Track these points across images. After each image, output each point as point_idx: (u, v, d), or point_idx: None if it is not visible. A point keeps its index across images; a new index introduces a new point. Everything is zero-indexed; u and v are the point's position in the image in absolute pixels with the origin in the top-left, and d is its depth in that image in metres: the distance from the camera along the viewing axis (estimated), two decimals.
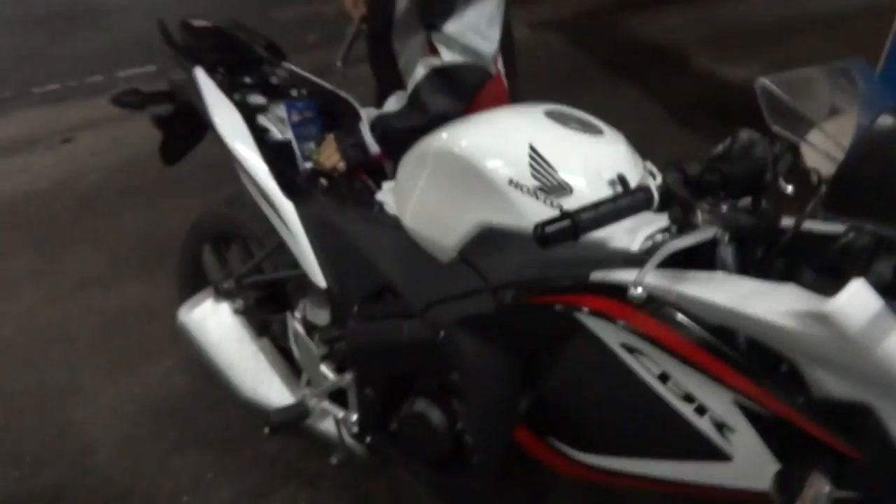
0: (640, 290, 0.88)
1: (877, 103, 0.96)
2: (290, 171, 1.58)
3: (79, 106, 4.08)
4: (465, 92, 1.49)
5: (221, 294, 1.72)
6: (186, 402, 2.18)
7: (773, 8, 5.71)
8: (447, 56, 1.47)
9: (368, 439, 1.51)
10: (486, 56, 1.48)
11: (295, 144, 1.63)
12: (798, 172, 0.95)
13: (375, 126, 1.57)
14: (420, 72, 1.50)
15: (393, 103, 1.60)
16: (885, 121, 0.62)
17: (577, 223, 0.83)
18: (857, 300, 0.76)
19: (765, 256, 0.99)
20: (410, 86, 1.52)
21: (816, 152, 0.90)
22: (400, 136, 1.45)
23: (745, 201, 0.94)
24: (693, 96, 4.14)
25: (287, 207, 1.49)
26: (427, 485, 1.45)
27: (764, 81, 0.87)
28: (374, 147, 1.71)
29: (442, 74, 1.47)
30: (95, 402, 2.17)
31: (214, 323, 1.71)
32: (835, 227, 1.00)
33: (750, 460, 0.89)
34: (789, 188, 0.92)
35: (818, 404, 0.86)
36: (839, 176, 0.65)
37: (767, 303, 0.83)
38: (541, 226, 0.83)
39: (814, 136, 0.90)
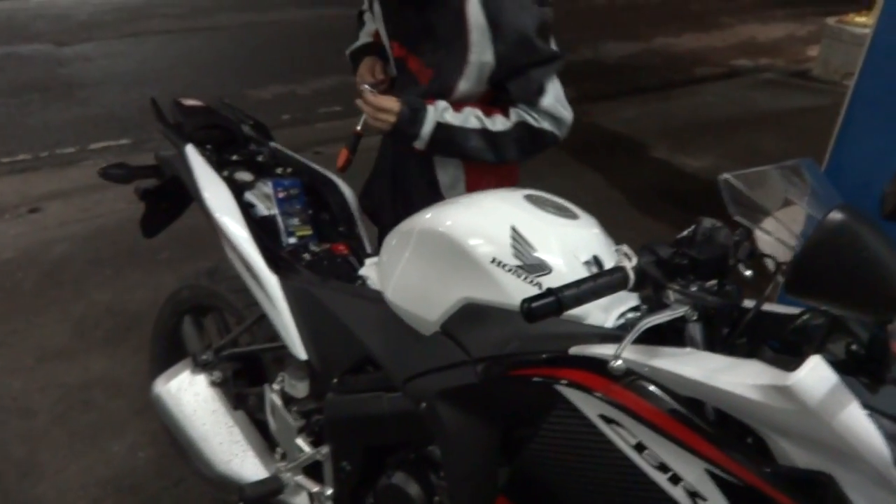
0: (619, 363, 0.95)
1: (823, 198, 1.08)
2: (275, 246, 1.63)
3: (48, 176, 4.08)
4: (531, 152, 1.67)
5: (199, 366, 1.72)
6: (150, 478, 2.12)
7: (725, 103, 6.12)
8: (534, 122, 1.63)
9: None
10: (568, 124, 1.66)
11: (280, 220, 1.68)
12: (755, 258, 1.04)
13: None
14: (505, 121, 1.63)
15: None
16: (835, 216, 0.71)
17: (561, 300, 0.90)
18: (814, 375, 0.83)
19: (729, 334, 1.07)
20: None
21: (771, 239, 1.00)
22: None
23: (711, 283, 1.03)
24: (652, 184, 4.37)
25: (271, 280, 1.53)
26: None
27: (726, 176, 0.97)
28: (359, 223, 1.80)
29: (530, 132, 1.63)
30: (55, 478, 2.10)
31: (190, 395, 1.70)
32: (791, 309, 1.09)
33: None
34: (748, 272, 1.01)
35: (783, 473, 0.92)
36: (797, 263, 0.74)
37: (733, 377, 0.90)
38: (527, 301, 0.90)
39: (767, 224, 1.01)
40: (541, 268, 1.16)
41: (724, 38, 8.25)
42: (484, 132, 1.62)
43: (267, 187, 1.73)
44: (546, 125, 1.63)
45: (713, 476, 0.94)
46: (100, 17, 7.26)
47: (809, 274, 0.74)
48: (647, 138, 5.18)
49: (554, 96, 1.62)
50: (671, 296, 1.00)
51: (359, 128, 1.70)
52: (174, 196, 1.88)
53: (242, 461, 1.64)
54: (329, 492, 1.52)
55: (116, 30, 6.89)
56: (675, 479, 0.96)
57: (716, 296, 1.00)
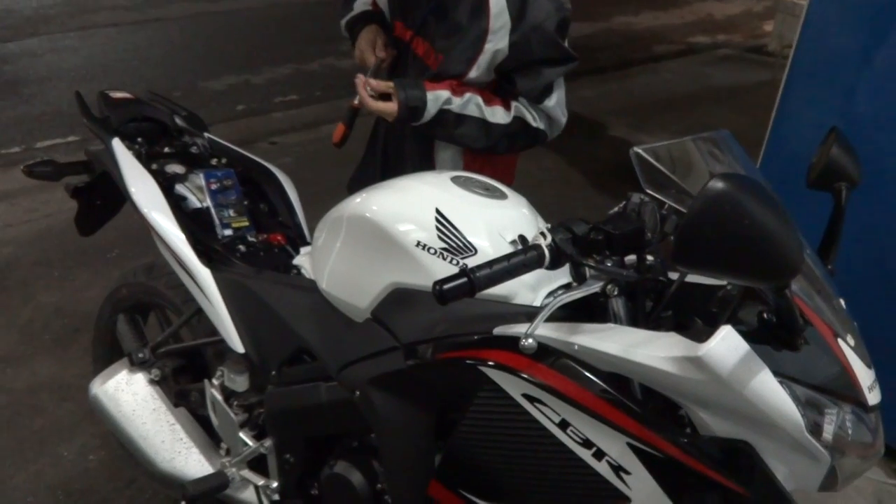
0: (530, 341, 0.94)
1: (741, 170, 1.08)
2: (208, 238, 1.59)
3: None
4: (520, 148, 1.69)
5: (136, 364, 1.69)
6: (101, 480, 2.08)
7: (682, 80, 6.16)
8: (532, 121, 1.62)
9: None
10: (561, 129, 1.68)
11: (213, 211, 1.65)
12: None
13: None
14: (505, 114, 1.60)
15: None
16: (715, 184, 0.70)
17: (473, 280, 0.89)
18: (725, 344, 0.83)
19: (654, 309, 1.07)
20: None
21: None
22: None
23: (632, 258, 1.02)
24: (609, 163, 4.38)
25: (204, 274, 1.50)
26: None
27: (637, 150, 0.96)
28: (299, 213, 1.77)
29: (525, 129, 1.62)
30: (2, 487, 2.05)
31: (129, 394, 1.67)
32: (717, 281, 1.10)
33: (646, 500, 0.94)
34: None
35: (703, 444, 0.92)
36: (681, 234, 0.73)
37: (649, 350, 0.89)
38: (439, 283, 0.88)
39: (676, 196, 1.00)
40: (466, 249, 1.15)
41: (682, 16, 8.29)
42: (482, 122, 1.58)
43: (199, 179, 1.69)
44: (542, 125, 1.62)
45: (636, 450, 0.94)
46: (45, 11, 7.02)
47: (694, 245, 0.73)
48: (606, 117, 5.19)
49: (557, 99, 1.61)
50: (588, 272, 0.99)
51: (355, 102, 1.62)
52: (108, 192, 1.83)
53: (186, 458, 1.61)
54: (274, 484, 1.50)
55: (62, 24, 6.67)
56: (600, 455, 0.96)
57: (635, 270, 1.00)
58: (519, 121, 1.60)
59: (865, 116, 2.02)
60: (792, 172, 1.32)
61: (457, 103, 1.56)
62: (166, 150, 1.77)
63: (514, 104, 1.60)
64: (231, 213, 1.68)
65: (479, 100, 1.57)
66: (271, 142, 4.53)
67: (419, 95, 1.53)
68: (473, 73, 1.57)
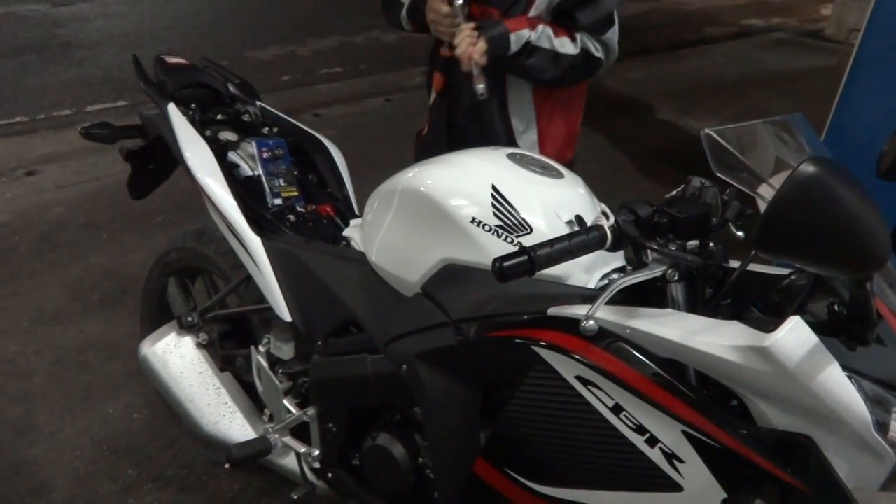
0: (591, 323, 0.92)
1: (812, 154, 1.03)
2: (259, 207, 1.60)
3: (45, 139, 4.05)
4: (581, 79, 1.72)
5: (185, 327, 1.72)
6: (145, 439, 2.14)
7: (734, 64, 5.99)
8: (595, 51, 1.64)
9: (330, 475, 1.51)
10: (615, 57, 1.69)
11: (264, 180, 1.65)
12: (747, 218, 1.00)
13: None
14: (572, 45, 1.62)
15: None
16: (806, 168, 0.67)
17: (534, 259, 0.87)
18: (793, 336, 0.81)
19: (714, 296, 1.04)
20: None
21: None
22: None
23: (693, 243, 0.99)
24: (656, 147, 4.29)
25: (254, 242, 1.51)
26: None
27: (709, 132, 0.93)
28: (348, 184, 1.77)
29: (588, 60, 1.64)
30: (50, 439, 2.12)
31: (177, 356, 1.70)
32: (780, 270, 1.06)
33: (699, 490, 0.92)
34: (740, 234, 0.98)
35: (762, 435, 0.90)
36: (767, 218, 0.70)
37: (711, 337, 0.87)
38: (499, 260, 0.87)
39: (763, 189, 0.97)
40: (521, 227, 1.14)
41: None
42: (552, 53, 1.60)
43: (251, 147, 1.70)
44: (601, 55, 1.64)
45: (690, 438, 0.92)
46: None
47: (780, 230, 0.70)
48: (654, 100, 5.08)
49: (615, 27, 1.64)
50: (650, 255, 0.97)
51: (448, 50, 1.61)
52: (161, 156, 1.85)
53: (230, 422, 1.64)
54: (316, 453, 1.52)
55: None
56: (653, 441, 0.94)
57: (697, 256, 0.97)
58: (585, 52, 1.62)
59: None
60: (854, 159, 1.27)
61: (533, 36, 1.57)
62: (219, 117, 1.78)
63: (578, 35, 1.61)
64: (281, 182, 1.68)
65: (550, 31, 1.59)
66: (315, 114, 4.54)
67: (503, 33, 1.54)
68: (532, 15, 1.59)
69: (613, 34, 1.64)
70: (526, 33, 1.56)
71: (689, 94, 5.21)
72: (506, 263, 0.87)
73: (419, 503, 1.36)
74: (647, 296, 1.05)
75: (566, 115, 1.79)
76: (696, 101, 5.07)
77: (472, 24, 1.54)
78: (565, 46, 1.60)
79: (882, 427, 0.87)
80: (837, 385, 0.82)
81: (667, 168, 3.91)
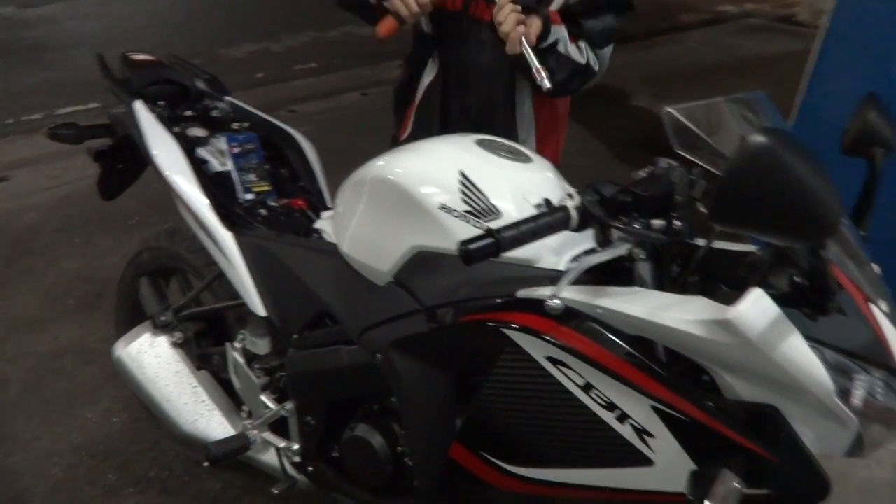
0: (556, 301, 0.93)
1: None
2: (230, 202, 1.59)
3: (16, 144, 3.99)
4: (576, 87, 1.63)
5: (159, 327, 1.70)
6: (124, 443, 2.12)
7: (709, 50, 6.02)
8: (593, 63, 1.60)
9: (311, 468, 1.51)
10: (601, 76, 1.65)
11: (235, 175, 1.64)
12: None
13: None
14: (579, 55, 1.56)
15: None
16: (755, 139, 0.68)
17: (499, 240, 0.88)
18: (755, 307, 0.82)
19: (681, 273, 1.05)
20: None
21: None
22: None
23: (660, 222, 1.00)
24: (633, 133, 4.31)
25: (226, 237, 1.50)
26: None
27: (669, 110, 0.94)
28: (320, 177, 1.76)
29: (586, 71, 1.59)
30: (28, 447, 2.09)
31: (151, 357, 1.69)
32: (746, 246, 1.08)
33: (670, 464, 0.94)
34: (706, 211, 0.98)
35: (729, 407, 0.91)
36: (720, 190, 0.71)
37: (677, 313, 0.88)
38: (465, 243, 0.87)
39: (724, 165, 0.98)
40: (490, 212, 1.14)
41: None
42: (565, 57, 1.53)
43: (221, 142, 1.68)
44: (597, 69, 1.61)
45: (660, 413, 0.93)
46: None
47: (732, 201, 0.71)
48: (630, 87, 5.09)
49: (612, 47, 1.61)
50: (615, 234, 0.97)
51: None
52: (130, 155, 1.83)
53: (208, 420, 1.63)
54: (295, 447, 1.52)
55: None
56: (623, 418, 0.95)
57: (663, 233, 0.98)
58: (587, 62, 1.59)
59: None
60: (824, 139, 1.29)
61: (562, 33, 1.52)
62: (188, 113, 1.76)
63: (582, 44, 1.57)
64: (253, 177, 1.67)
65: (565, 34, 1.53)
66: (290, 110, 4.52)
67: (548, 18, 1.47)
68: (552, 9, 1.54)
69: (608, 51, 1.62)
70: (557, 28, 1.48)
71: (665, 81, 5.23)
72: (471, 246, 0.87)
73: (399, 491, 1.36)
74: (617, 276, 1.06)
75: (558, 125, 1.76)
76: (672, 87, 5.09)
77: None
78: (574, 52, 1.54)
79: (845, 394, 0.88)
80: (799, 354, 0.83)
81: (643, 154, 3.85)
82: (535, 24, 1.42)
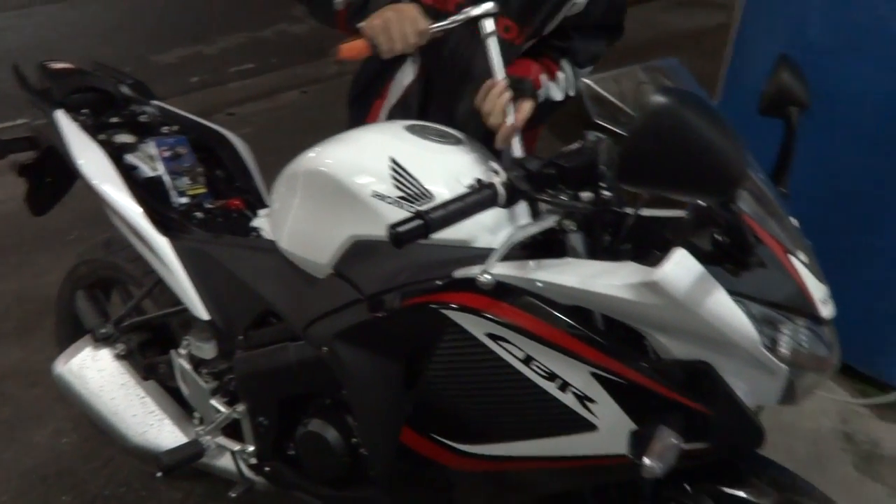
0: (486, 276, 0.94)
1: None
2: (164, 207, 1.56)
3: None
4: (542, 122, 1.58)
5: (100, 340, 1.66)
6: (77, 462, 2.06)
7: (640, 28, 6.10)
8: (571, 91, 1.56)
9: (267, 468, 1.50)
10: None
11: (167, 179, 1.61)
12: None
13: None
14: (557, 91, 1.54)
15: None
16: (656, 99, 0.70)
17: (428, 221, 0.88)
18: (679, 267, 0.84)
19: (612, 242, 1.08)
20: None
21: None
22: None
23: (589, 195, 1.02)
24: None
25: (161, 243, 1.47)
26: None
27: (586, 81, 0.96)
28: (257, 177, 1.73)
29: (561, 104, 1.56)
30: None
31: (94, 371, 1.64)
32: (675, 212, 1.10)
33: (613, 427, 0.96)
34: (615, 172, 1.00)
35: (663, 367, 0.94)
36: (625, 151, 0.73)
37: (607, 279, 0.90)
38: (393, 226, 0.87)
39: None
40: (423, 196, 1.14)
41: None
42: (549, 102, 1.52)
43: (150, 147, 1.65)
44: (573, 93, 1.55)
45: (599, 378, 0.95)
46: None
47: (638, 161, 0.73)
48: None
49: (589, 71, 1.56)
50: (543, 208, 0.99)
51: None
52: (57, 168, 1.77)
53: (159, 430, 1.60)
54: (250, 449, 1.50)
55: (2, 3, 6.42)
56: (564, 386, 0.97)
57: (590, 204, 1.00)
58: (564, 96, 1.56)
59: (816, 44, 2.03)
60: (750, 104, 1.33)
61: (552, 87, 1.52)
62: (114, 120, 1.72)
63: (561, 76, 1.54)
64: (186, 180, 1.64)
65: (549, 83, 1.52)
66: (229, 113, 4.44)
67: (532, 89, 1.42)
68: (546, 31, 1.52)
69: (586, 70, 1.56)
70: (545, 82, 1.47)
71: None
72: (400, 228, 0.87)
73: (357, 483, 1.36)
74: (553, 250, 1.08)
75: (538, 130, 1.71)
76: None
77: (501, 84, 1.29)
78: (555, 92, 1.53)
79: (772, 344, 0.91)
80: (725, 309, 0.86)
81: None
82: (526, 109, 1.33)
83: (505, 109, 1.29)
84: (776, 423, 2.19)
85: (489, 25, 1.28)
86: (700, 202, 0.89)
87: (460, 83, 1.49)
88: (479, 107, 1.31)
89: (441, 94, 1.55)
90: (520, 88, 1.33)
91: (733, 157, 0.71)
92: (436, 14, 1.37)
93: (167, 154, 1.64)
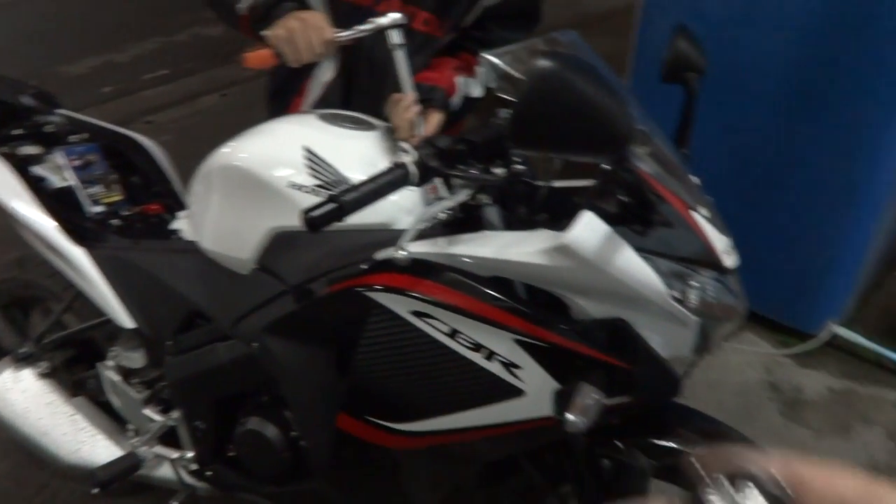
0: (402, 253, 0.95)
1: None
2: (78, 217, 1.51)
3: None
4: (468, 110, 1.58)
5: (21, 360, 1.60)
6: (10, 491, 1.98)
7: (550, 11, 6.21)
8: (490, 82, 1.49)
9: (209, 472, 1.48)
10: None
11: (79, 188, 1.56)
12: None
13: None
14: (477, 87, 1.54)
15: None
16: (541, 63, 0.73)
17: (341, 204, 0.89)
18: (587, 229, 0.88)
19: (528, 213, 1.11)
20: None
21: None
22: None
23: (502, 170, 1.04)
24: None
25: (77, 254, 1.43)
26: (276, 502, 1.44)
27: (485, 56, 0.98)
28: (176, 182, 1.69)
29: (479, 99, 1.55)
30: None
31: (17, 392, 1.58)
32: (587, 181, 1.14)
33: (539, 390, 0.99)
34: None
35: (582, 327, 0.97)
36: (515, 116, 0.75)
37: (521, 247, 0.93)
38: (307, 211, 0.88)
39: None
40: (340, 183, 1.15)
41: None
42: (469, 100, 1.53)
43: (58, 157, 1.59)
44: (490, 85, 1.49)
45: (522, 345, 0.98)
46: None
47: (528, 125, 0.76)
48: None
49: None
50: (456, 183, 1.01)
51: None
52: None
53: (92, 447, 1.56)
54: (189, 454, 1.48)
55: None
56: (490, 356, 1.00)
57: (503, 176, 1.02)
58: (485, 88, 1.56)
59: (713, 17, 2.13)
60: (657, 75, 1.38)
61: (467, 89, 1.52)
62: (16, 132, 1.65)
63: (478, 69, 1.54)
64: (99, 188, 1.59)
65: (464, 76, 1.53)
66: (146, 121, 4.30)
67: (445, 99, 1.46)
68: (466, 23, 1.53)
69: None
70: (461, 83, 1.48)
71: None
72: (314, 213, 0.88)
73: (301, 476, 1.36)
74: (472, 226, 1.10)
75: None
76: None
77: (408, 97, 1.29)
78: (474, 89, 1.53)
79: (682, 297, 0.96)
80: (633, 265, 0.90)
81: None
82: (434, 121, 1.36)
83: (413, 123, 1.28)
84: (705, 380, 2.29)
85: (396, 37, 1.26)
86: (605, 166, 0.92)
87: (381, 81, 1.48)
88: (389, 119, 1.31)
89: (362, 92, 1.55)
90: (429, 100, 1.35)
91: (619, 116, 0.75)
92: (351, 10, 1.39)
93: (77, 163, 1.58)
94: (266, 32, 1.27)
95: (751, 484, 0.28)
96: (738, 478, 0.30)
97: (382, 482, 1.31)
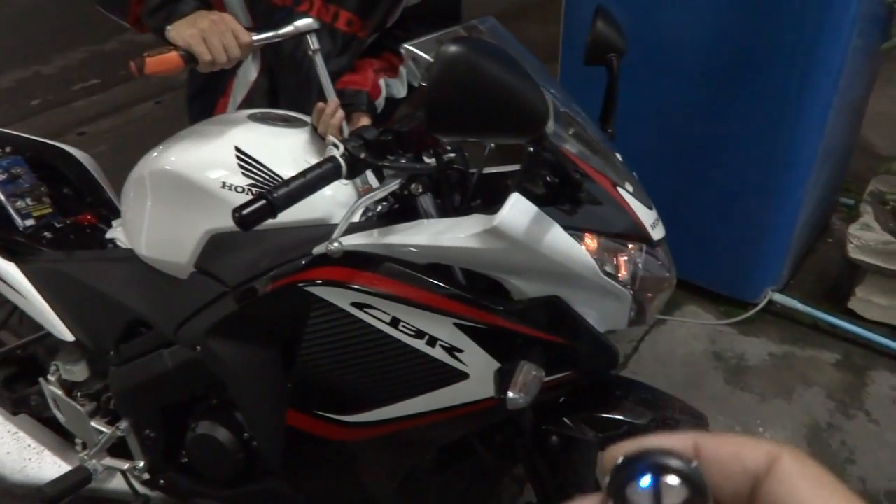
0: (335, 245, 0.96)
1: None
2: (7, 232, 1.47)
3: None
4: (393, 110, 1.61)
5: None
6: None
7: (492, 0, 6.27)
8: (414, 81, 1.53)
9: (162, 481, 1.46)
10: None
11: (6, 203, 1.52)
12: None
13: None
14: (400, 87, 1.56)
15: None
16: (447, 48, 0.74)
17: (273, 201, 0.89)
18: (515, 210, 0.90)
19: (462, 200, 1.13)
20: None
21: None
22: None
23: (432, 160, 1.06)
24: None
25: (9, 269, 1.40)
26: None
27: (406, 46, 0.99)
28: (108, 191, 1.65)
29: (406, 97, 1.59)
30: None
31: None
32: (518, 166, 1.17)
33: (483, 372, 1.01)
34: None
35: (520, 307, 1.00)
36: (428, 103, 0.76)
37: (454, 233, 0.95)
38: (238, 210, 0.88)
39: None
40: (272, 181, 1.15)
41: None
42: (394, 101, 1.54)
43: None
44: (416, 85, 1.48)
45: (463, 328, 1.00)
46: None
47: (441, 111, 0.77)
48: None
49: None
50: (388, 174, 1.02)
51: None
52: None
53: (39, 464, 1.52)
54: (141, 464, 1.46)
55: None
56: (433, 341, 1.01)
57: (432, 165, 1.04)
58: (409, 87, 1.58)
59: None
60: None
61: (390, 89, 1.53)
62: None
63: (402, 70, 1.55)
64: (28, 201, 1.55)
65: (387, 78, 1.54)
66: (79, 132, 4.19)
67: (370, 101, 1.46)
68: (389, 23, 1.53)
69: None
70: (385, 84, 1.49)
71: None
72: (245, 211, 0.88)
73: (256, 477, 1.35)
74: (409, 216, 1.11)
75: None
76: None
77: (332, 105, 1.25)
78: (398, 89, 1.54)
79: (613, 271, 0.99)
80: (562, 243, 0.93)
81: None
82: (361, 124, 1.38)
83: (340, 129, 1.26)
84: (653, 353, 2.36)
85: (313, 43, 1.23)
86: (528, 148, 0.95)
87: (306, 80, 1.47)
88: (315, 126, 1.28)
89: (289, 91, 1.54)
90: (353, 104, 1.36)
91: (533, 98, 0.76)
92: (270, 10, 1.39)
93: (2, 177, 1.54)
94: (170, 32, 1.19)
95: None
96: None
97: (339, 476, 1.32)
